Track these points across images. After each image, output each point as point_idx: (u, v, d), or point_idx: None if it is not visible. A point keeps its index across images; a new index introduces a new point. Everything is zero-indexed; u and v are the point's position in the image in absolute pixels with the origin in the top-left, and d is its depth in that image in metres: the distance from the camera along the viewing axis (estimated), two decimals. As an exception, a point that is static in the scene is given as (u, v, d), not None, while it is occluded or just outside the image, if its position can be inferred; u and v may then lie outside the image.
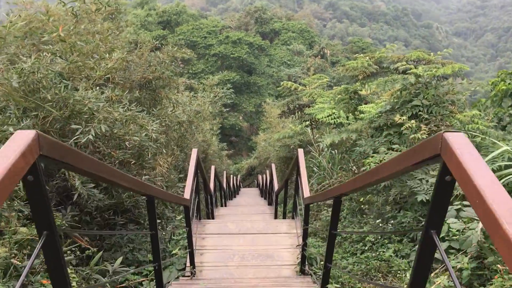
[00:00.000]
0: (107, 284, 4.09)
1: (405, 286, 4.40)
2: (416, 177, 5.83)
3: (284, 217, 8.94)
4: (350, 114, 9.87)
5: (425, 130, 6.33)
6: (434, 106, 6.78)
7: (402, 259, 5.15)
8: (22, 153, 1.21)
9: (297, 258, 5.59)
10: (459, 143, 1.32)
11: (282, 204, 9.27)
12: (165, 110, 6.97)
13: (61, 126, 4.51)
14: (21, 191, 3.63)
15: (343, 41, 72.14)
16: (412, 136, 6.32)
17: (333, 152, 9.48)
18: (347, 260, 5.58)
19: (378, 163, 6.27)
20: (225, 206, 13.75)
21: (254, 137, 33.55)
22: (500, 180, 4.37)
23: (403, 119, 6.62)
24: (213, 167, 11.91)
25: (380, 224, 6.22)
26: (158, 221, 5.67)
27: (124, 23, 8.76)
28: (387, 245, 5.56)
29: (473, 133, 6.57)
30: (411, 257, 5.11)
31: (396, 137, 6.86)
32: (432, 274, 4.15)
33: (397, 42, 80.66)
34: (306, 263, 5.31)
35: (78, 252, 4.10)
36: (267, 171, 15.15)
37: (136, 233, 5.32)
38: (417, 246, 4.98)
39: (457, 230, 4.30)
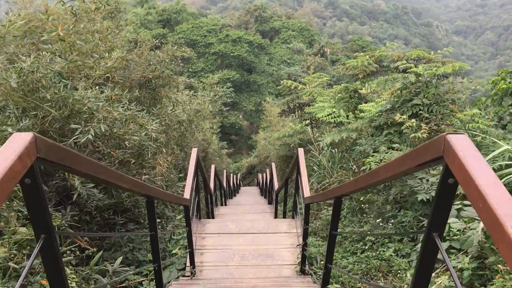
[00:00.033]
0: (107, 285, 4.08)
1: (406, 286, 4.39)
2: (416, 176, 5.82)
3: (284, 216, 8.92)
4: (350, 113, 9.85)
5: (425, 129, 6.32)
6: (434, 105, 6.76)
7: (403, 259, 5.14)
8: (19, 156, 1.19)
9: (297, 257, 5.58)
10: (462, 145, 1.30)
11: (282, 203, 9.25)
12: (165, 109, 6.96)
13: (61, 125, 4.49)
14: (20, 192, 3.61)
15: (343, 39, 72.10)
16: (413, 135, 6.30)
17: (333, 151, 9.47)
18: (347, 259, 5.56)
19: (378, 162, 6.26)
20: (225, 205, 13.74)
21: (254, 136, 33.55)
22: (500, 179, 4.35)
23: (404, 118, 6.61)
24: (213, 166, 11.89)
25: (381, 224, 6.20)
26: (158, 220, 5.66)
27: (123, 22, 8.75)
28: (387, 245, 5.55)
29: (474, 132, 6.55)
30: (412, 256, 5.09)
31: (396, 136, 6.85)
32: (433, 274, 4.14)
33: (397, 40, 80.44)
34: (306, 262, 5.30)
35: (77, 252, 4.09)
36: (267, 170, 15.14)
37: (136, 234, 5.31)
38: (417, 246, 4.98)
39: (458, 230, 4.28)
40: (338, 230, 3.82)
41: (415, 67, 7.55)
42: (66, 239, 4.21)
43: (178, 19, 48.00)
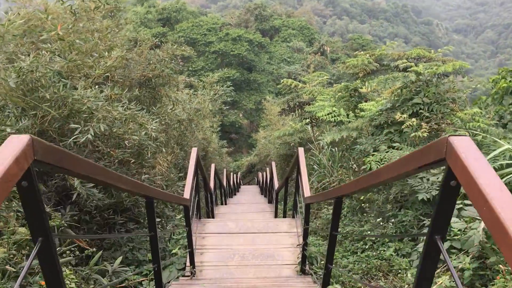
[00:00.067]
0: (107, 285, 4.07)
1: (406, 286, 4.38)
2: (417, 176, 5.80)
3: (284, 216, 8.91)
4: (351, 112, 9.83)
5: (425, 128, 6.30)
6: (435, 104, 6.75)
7: (403, 258, 5.13)
8: (16, 158, 1.18)
9: (298, 257, 5.57)
10: (465, 147, 1.29)
11: (283, 202, 9.24)
12: (165, 108, 6.94)
13: (60, 125, 4.47)
14: (19, 192, 3.60)
15: (343, 38, 72.05)
16: (413, 134, 6.29)
17: (333, 150, 9.45)
18: (347, 258, 5.56)
19: (378, 162, 6.24)
20: (225, 204, 13.72)
21: (254, 134, 33.55)
22: (501, 178, 4.34)
23: (404, 117, 6.59)
24: (213, 165, 11.87)
25: (381, 223, 6.19)
26: (158, 220, 5.65)
27: (123, 20, 8.70)
28: (388, 244, 5.54)
29: (474, 131, 6.53)
30: (412, 256, 5.08)
31: (396, 135, 6.83)
32: (434, 274, 4.12)
33: (397, 39, 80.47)
34: (307, 262, 5.29)
35: (77, 252, 4.07)
36: (267, 169, 15.11)
37: (135, 235, 5.29)
38: (418, 246, 4.96)
39: (459, 230, 4.27)
40: (339, 229, 3.81)
41: (416, 66, 7.54)
42: (66, 239, 4.20)
43: (178, 18, 47.96)
